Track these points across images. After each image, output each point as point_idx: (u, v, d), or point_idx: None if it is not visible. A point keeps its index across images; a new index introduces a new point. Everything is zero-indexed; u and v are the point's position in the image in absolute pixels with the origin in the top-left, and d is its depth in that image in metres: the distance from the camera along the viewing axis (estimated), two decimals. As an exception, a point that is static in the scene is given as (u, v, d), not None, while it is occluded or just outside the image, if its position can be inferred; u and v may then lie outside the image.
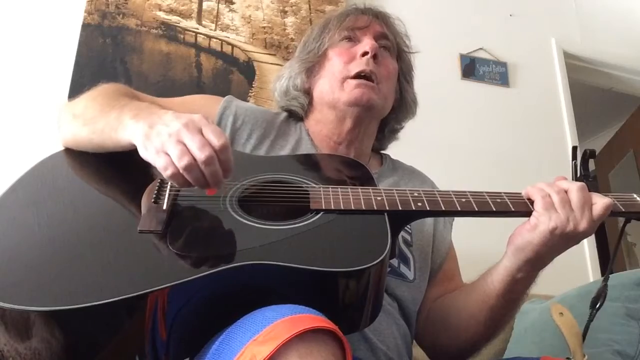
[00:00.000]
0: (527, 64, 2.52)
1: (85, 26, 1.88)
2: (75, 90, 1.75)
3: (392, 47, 1.07)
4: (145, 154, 0.73)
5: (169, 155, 0.69)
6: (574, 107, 2.53)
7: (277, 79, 1.12)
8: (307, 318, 0.55)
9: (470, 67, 2.40)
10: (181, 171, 0.69)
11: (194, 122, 0.71)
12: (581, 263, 2.20)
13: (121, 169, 0.83)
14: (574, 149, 0.89)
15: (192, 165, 0.68)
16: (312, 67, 1.06)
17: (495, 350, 1.38)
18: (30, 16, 1.84)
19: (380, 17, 1.07)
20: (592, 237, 2.28)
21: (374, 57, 1.00)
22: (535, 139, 2.37)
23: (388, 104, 1.06)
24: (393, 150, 1.17)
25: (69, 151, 0.88)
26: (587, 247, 2.24)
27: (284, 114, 1.10)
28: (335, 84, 1.01)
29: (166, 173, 0.70)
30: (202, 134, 0.70)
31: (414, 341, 1.01)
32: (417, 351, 1.06)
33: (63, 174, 0.85)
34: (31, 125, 1.69)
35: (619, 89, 3.00)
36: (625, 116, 3.47)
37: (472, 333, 0.90)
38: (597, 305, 0.82)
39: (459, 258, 1.10)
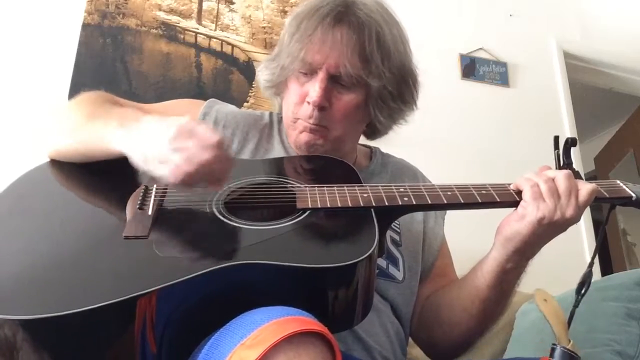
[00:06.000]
0: (527, 64, 2.52)
1: (85, 26, 1.88)
2: (76, 90, 1.75)
3: (353, 79, 0.93)
4: (144, 165, 0.73)
5: (173, 163, 0.69)
6: (574, 107, 2.53)
7: (257, 73, 1.07)
8: (296, 320, 0.55)
9: (470, 67, 2.40)
10: (186, 176, 0.69)
11: (186, 126, 0.71)
12: (581, 263, 2.20)
13: (105, 177, 0.83)
14: (556, 138, 0.92)
15: (198, 169, 0.69)
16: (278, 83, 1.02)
17: (495, 350, 1.38)
18: (30, 16, 1.84)
19: (345, 37, 0.92)
20: (592, 238, 2.28)
21: (320, 107, 0.92)
22: (535, 139, 2.37)
23: (346, 138, 1.00)
24: (393, 151, 1.17)
25: (54, 162, 0.88)
26: (587, 248, 2.24)
27: (268, 115, 1.09)
28: (287, 121, 0.98)
29: (173, 180, 0.70)
30: (196, 135, 0.70)
31: (411, 340, 1.01)
32: (418, 351, 1.07)
33: (48, 184, 0.85)
34: (31, 125, 1.69)
35: (619, 89, 3.00)
36: (625, 116, 3.47)
37: (466, 327, 0.90)
38: (582, 291, 0.83)
39: (454, 256, 1.10)
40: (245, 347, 0.53)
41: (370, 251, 0.66)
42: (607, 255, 3.36)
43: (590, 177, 3.23)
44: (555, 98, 2.52)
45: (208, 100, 1.05)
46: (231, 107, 1.08)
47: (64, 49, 1.82)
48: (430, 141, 2.06)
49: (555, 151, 0.90)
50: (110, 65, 1.86)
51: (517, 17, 2.59)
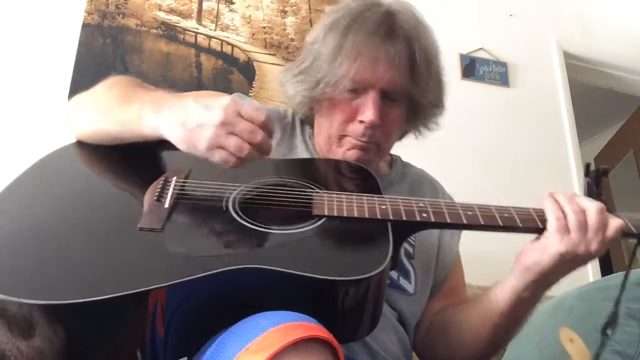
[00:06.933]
0: (527, 64, 2.52)
1: (85, 26, 1.88)
2: (76, 90, 1.74)
3: (402, 94, 0.93)
4: (192, 150, 0.73)
5: (225, 148, 0.70)
6: (574, 107, 2.53)
7: (282, 80, 1.02)
8: (301, 326, 0.54)
9: (470, 67, 2.40)
10: (240, 160, 0.71)
11: (231, 108, 0.71)
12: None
13: (128, 164, 0.83)
14: (587, 165, 0.86)
15: (251, 152, 0.70)
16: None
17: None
18: (31, 16, 1.84)
19: (397, 53, 0.89)
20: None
21: (374, 126, 0.91)
22: (535, 139, 2.37)
23: (389, 150, 1.03)
24: (393, 151, 1.17)
25: (79, 144, 0.88)
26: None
27: (291, 113, 1.07)
28: (333, 138, 0.95)
29: (227, 165, 0.71)
30: (244, 117, 0.71)
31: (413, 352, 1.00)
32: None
33: (71, 167, 0.85)
34: (31, 125, 1.69)
35: (619, 89, 3.00)
36: (625, 116, 3.47)
37: (473, 349, 0.88)
38: (609, 332, 0.80)
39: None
40: (250, 352, 0.52)
41: (383, 267, 0.65)
42: (607, 255, 3.36)
43: (590, 177, 3.23)
44: (555, 98, 2.51)
45: (232, 95, 1.05)
46: (255, 102, 1.08)
47: (64, 49, 1.82)
48: (430, 141, 2.06)
49: (585, 178, 0.84)
50: (110, 65, 1.86)
51: (517, 17, 2.59)
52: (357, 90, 0.91)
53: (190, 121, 0.72)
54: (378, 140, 0.94)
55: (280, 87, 1.03)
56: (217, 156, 0.71)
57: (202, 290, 0.63)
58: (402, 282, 0.93)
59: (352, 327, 0.69)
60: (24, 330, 0.57)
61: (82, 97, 0.91)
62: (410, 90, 0.92)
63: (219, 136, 0.70)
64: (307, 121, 1.04)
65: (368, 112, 0.90)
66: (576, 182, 2.36)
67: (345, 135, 0.94)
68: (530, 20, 2.61)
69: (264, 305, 0.59)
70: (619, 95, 3.13)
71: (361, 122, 0.91)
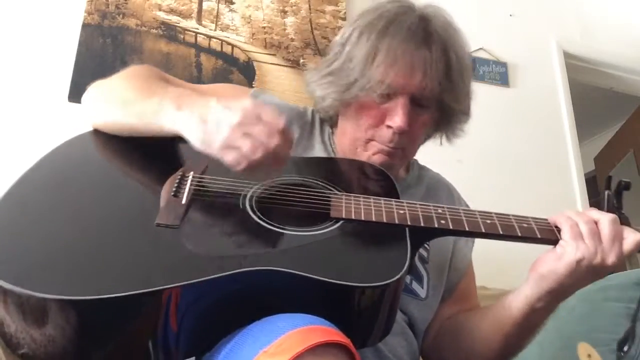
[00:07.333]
0: (527, 64, 2.52)
1: (85, 26, 1.87)
2: (76, 90, 1.75)
3: (432, 100, 0.92)
4: (207, 148, 0.71)
5: (239, 149, 0.69)
6: (574, 107, 2.53)
7: (308, 80, 1.00)
8: (320, 330, 0.54)
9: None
10: (252, 163, 0.69)
11: (252, 110, 0.70)
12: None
13: (145, 157, 0.83)
14: (608, 179, 0.85)
15: (265, 156, 0.69)
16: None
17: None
18: (31, 16, 1.84)
19: (432, 59, 0.88)
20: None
21: (403, 132, 0.90)
22: (535, 139, 2.37)
23: (414, 154, 1.02)
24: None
25: (96, 133, 0.86)
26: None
27: (311, 111, 1.05)
28: (359, 141, 0.94)
29: (238, 167, 0.70)
30: (262, 120, 0.69)
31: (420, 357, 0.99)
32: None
33: (88, 157, 0.84)
34: (31, 125, 1.69)
35: (619, 89, 3.00)
36: (625, 116, 3.48)
37: (483, 357, 0.87)
38: (625, 348, 0.80)
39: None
40: (268, 355, 0.52)
41: (400, 274, 0.64)
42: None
43: (590, 177, 3.24)
44: (555, 98, 2.52)
45: (253, 89, 1.03)
46: (276, 99, 1.06)
47: (64, 49, 1.82)
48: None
49: (606, 192, 0.83)
50: (110, 65, 1.86)
51: (517, 17, 2.59)
52: (388, 95, 0.90)
53: (209, 120, 0.71)
54: (404, 145, 0.93)
55: (305, 87, 1.01)
56: (230, 157, 0.70)
57: (216, 289, 0.62)
58: (415, 286, 0.92)
59: (366, 332, 0.68)
60: (38, 318, 0.56)
61: (102, 84, 0.89)
62: (442, 96, 0.91)
63: (233, 136, 0.69)
64: (330, 121, 1.03)
65: (397, 118, 0.89)
66: (576, 182, 2.36)
67: (372, 140, 0.93)
68: (530, 20, 2.61)
69: (277, 307, 0.59)
70: (619, 95, 3.13)
71: (389, 127, 0.90)
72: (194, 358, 0.70)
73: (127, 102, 0.82)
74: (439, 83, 0.89)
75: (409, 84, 0.88)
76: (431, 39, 0.89)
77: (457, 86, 0.92)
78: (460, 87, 0.93)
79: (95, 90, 0.89)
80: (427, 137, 1.02)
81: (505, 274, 1.45)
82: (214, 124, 0.70)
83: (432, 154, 1.09)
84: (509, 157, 2.28)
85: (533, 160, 2.30)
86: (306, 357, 0.51)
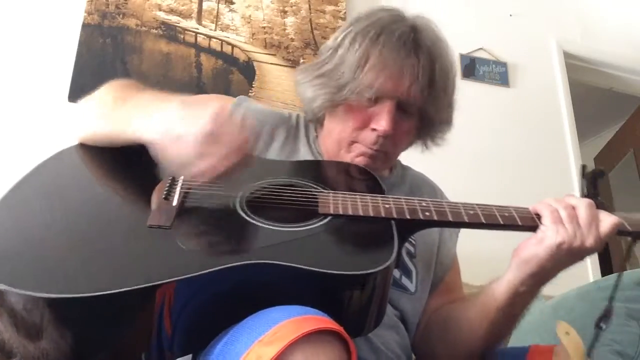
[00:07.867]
0: (527, 64, 2.52)
1: (85, 26, 1.88)
2: (76, 90, 1.75)
3: (416, 107, 0.95)
4: (163, 160, 0.73)
5: (196, 168, 0.70)
6: (574, 107, 2.53)
7: (299, 80, 1.02)
8: (313, 319, 0.55)
9: (470, 67, 2.40)
10: (207, 180, 0.71)
11: (213, 129, 0.70)
12: (581, 263, 2.20)
13: (133, 164, 0.84)
14: (583, 167, 0.89)
15: (219, 175, 0.71)
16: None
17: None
18: (31, 16, 1.84)
19: (419, 67, 0.91)
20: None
21: (387, 136, 0.93)
22: (535, 139, 2.37)
23: (396, 158, 1.06)
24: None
25: (83, 146, 0.89)
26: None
27: (296, 116, 1.08)
28: (343, 143, 0.96)
29: (202, 179, 0.72)
30: (221, 141, 0.70)
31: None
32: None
33: (77, 168, 0.86)
34: (32, 125, 1.70)
35: (619, 89, 3.00)
36: (625, 116, 3.48)
37: (470, 346, 0.89)
38: (602, 325, 0.82)
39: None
40: (263, 344, 0.53)
41: (390, 261, 0.67)
42: (607, 255, 3.36)
43: (590, 177, 3.23)
44: (555, 98, 2.52)
45: (237, 97, 1.05)
46: (260, 106, 1.08)
47: (64, 49, 1.82)
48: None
49: (582, 180, 0.88)
50: (110, 65, 1.86)
51: (517, 17, 2.59)
52: (376, 99, 0.92)
53: (169, 135, 0.71)
54: (387, 149, 0.95)
55: (295, 86, 1.04)
56: (180, 171, 0.72)
57: (210, 287, 0.63)
58: (405, 281, 0.94)
59: (357, 322, 0.70)
60: (32, 334, 0.57)
61: (85, 100, 0.92)
62: (425, 106, 0.95)
63: (190, 156, 0.70)
64: (317, 123, 1.05)
65: (382, 122, 0.91)
66: (576, 182, 2.36)
67: (356, 142, 0.95)
68: (530, 20, 2.61)
69: (270, 302, 0.60)
70: (619, 95, 3.13)
71: (374, 130, 0.93)
72: (190, 356, 0.71)
73: (102, 114, 0.85)
74: (422, 91, 0.93)
75: (397, 90, 0.91)
76: (420, 49, 0.93)
77: (438, 96, 0.95)
78: (442, 98, 0.97)
79: (80, 106, 0.92)
80: (409, 143, 1.05)
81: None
82: (175, 140, 0.71)
83: (432, 154, 1.09)
84: (508, 157, 2.28)
85: (533, 160, 2.31)
86: (301, 345, 0.52)
